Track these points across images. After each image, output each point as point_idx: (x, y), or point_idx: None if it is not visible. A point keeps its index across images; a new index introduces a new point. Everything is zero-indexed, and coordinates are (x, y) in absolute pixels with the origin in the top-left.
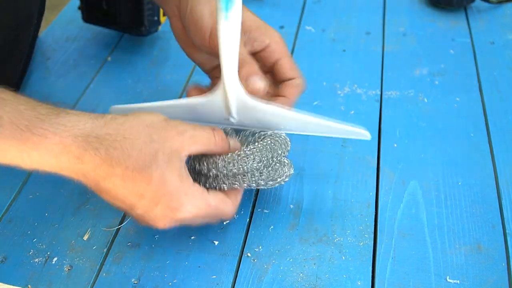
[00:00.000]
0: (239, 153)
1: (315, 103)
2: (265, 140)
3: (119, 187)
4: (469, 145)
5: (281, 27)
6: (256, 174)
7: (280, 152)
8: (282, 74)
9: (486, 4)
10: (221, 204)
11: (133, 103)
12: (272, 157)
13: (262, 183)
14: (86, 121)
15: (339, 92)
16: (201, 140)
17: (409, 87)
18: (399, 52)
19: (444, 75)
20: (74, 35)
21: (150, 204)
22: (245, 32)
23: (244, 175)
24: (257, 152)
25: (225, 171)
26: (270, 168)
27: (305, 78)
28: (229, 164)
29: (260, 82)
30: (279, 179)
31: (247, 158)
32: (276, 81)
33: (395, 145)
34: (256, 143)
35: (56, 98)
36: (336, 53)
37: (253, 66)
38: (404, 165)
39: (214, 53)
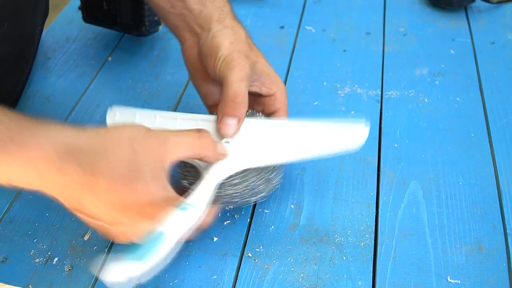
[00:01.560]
0: (219, 190)
1: (316, 103)
2: (249, 179)
3: (104, 200)
4: (470, 145)
5: (281, 27)
6: (235, 200)
7: (262, 188)
8: (268, 106)
9: (486, 4)
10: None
11: (133, 103)
12: (251, 193)
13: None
14: (68, 133)
15: (339, 92)
16: (186, 145)
17: (409, 87)
18: (400, 52)
19: (444, 75)
20: (75, 35)
21: (136, 217)
22: (258, 75)
23: (222, 202)
24: (236, 192)
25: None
26: (251, 193)
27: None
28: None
29: (232, 128)
30: (260, 195)
31: (225, 194)
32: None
33: (396, 145)
34: (238, 186)
35: (56, 98)
36: (336, 53)
37: (239, 107)
38: (404, 165)
39: (218, 81)
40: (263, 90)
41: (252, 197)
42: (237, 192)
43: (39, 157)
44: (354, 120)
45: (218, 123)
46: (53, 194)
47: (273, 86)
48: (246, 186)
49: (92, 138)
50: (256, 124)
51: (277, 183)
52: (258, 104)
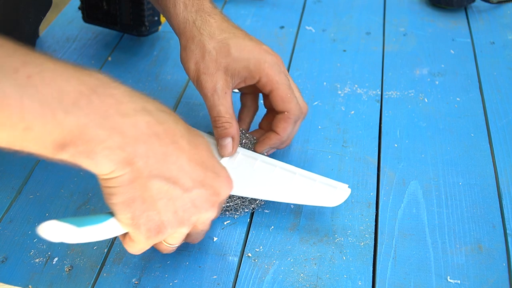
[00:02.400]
0: None
1: (316, 103)
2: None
3: (187, 159)
4: (470, 145)
5: (281, 27)
6: (233, 210)
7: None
8: (275, 107)
9: (486, 4)
10: None
11: None
12: (250, 201)
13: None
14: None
15: (339, 92)
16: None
17: (409, 87)
18: (400, 52)
19: (444, 75)
20: (75, 35)
21: (213, 176)
22: (233, 76)
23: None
24: (234, 203)
25: None
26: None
27: (306, 78)
28: None
29: (228, 148)
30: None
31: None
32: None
33: (396, 145)
34: (234, 196)
35: None
36: (336, 53)
37: (229, 127)
38: (404, 165)
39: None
40: (248, 81)
41: (251, 204)
42: (235, 204)
43: (129, 124)
44: (338, 183)
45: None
46: (134, 158)
47: (254, 73)
48: (243, 198)
49: (158, 105)
50: (250, 159)
51: None
52: (265, 98)
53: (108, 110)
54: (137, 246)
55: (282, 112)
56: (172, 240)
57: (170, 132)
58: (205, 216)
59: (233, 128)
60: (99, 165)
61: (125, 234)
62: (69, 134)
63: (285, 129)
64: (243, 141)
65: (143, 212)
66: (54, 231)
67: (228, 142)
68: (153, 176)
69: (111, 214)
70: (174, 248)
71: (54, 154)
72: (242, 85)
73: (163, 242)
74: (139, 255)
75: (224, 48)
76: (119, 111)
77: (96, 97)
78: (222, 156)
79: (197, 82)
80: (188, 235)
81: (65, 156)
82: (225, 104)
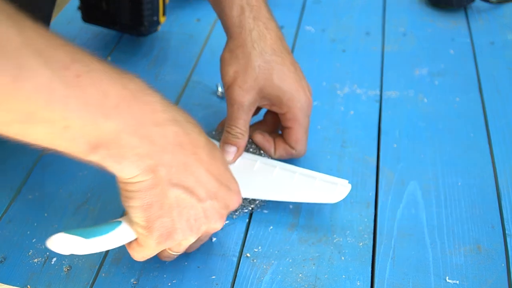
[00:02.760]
0: None
1: (315, 103)
2: None
3: (206, 170)
4: (469, 145)
5: (281, 27)
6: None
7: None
8: (286, 139)
9: (486, 4)
10: None
11: None
12: (249, 201)
13: None
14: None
15: (338, 92)
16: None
17: (409, 87)
18: (399, 52)
19: (444, 75)
20: (74, 35)
21: (227, 191)
22: (263, 98)
23: None
24: None
25: None
26: None
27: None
28: None
29: (229, 156)
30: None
31: None
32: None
33: (395, 145)
34: None
35: None
36: (336, 53)
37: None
38: (403, 165)
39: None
40: (274, 109)
41: (251, 205)
42: None
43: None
44: (338, 179)
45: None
46: (158, 166)
47: (283, 106)
48: (242, 198)
49: (186, 116)
50: (250, 161)
51: None
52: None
53: (143, 117)
54: (144, 252)
55: (289, 146)
56: (176, 248)
57: (193, 143)
58: (213, 227)
59: (243, 140)
60: (125, 169)
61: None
62: (105, 137)
63: (285, 155)
64: (250, 150)
65: (158, 218)
66: (63, 243)
67: (232, 150)
68: (173, 185)
69: (118, 222)
70: (175, 257)
71: (85, 155)
72: (267, 107)
73: (167, 249)
74: None
75: (268, 71)
76: (152, 120)
77: (135, 103)
78: None
79: (229, 89)
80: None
81: (95, 158)
82: (246, 120)
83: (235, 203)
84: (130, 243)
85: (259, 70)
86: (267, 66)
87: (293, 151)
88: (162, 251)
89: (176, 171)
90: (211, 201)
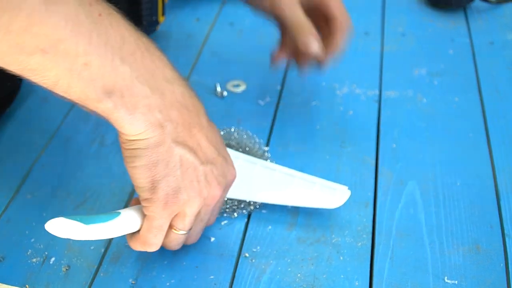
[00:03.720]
0: None
1: (314, 103)
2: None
3: (206, 136)
4: (468, 145)
5: None
6: (231, 210)
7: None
8: (328, 14)
9: (485, 4)
10: None
11: None
12: (248, 203)
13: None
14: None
15: (338, 92)
16: None
17: (408, 87)
18: (398, 52)
19: (443, 75)
20: None
21: (223, 160)
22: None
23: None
24: (232, 205)
25: None
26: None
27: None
28: None
29: (315, 45)
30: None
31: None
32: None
33: (394, 145)
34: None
35: (54, 98)
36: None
37: (309, 29)
38: (402, 165)
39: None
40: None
41: (250, 206)
42: (234, 205)
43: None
44: (337, 185)
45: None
46: (165, 122)
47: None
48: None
49: (188, 84)
50: (250, 164)
51: None
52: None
53: (155, 70)
54: (153, 223)
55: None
56: (181, 224)
57: (196, 108)
58: (213, 193)
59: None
60: (135, 122)
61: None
62: (120, 82)
63: (342, 36)
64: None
65: (164, 177)
66: (61, 227)
67: (314, 40)
68: (178, 143)
69: (118, 213)
70: (181, 240)
71: (99, 100)
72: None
73: (173, 230)
74: (135, 254)
75: None
76: (163, 75)
77: (148, 55)
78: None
79: (274, 9)
80: (189, 235)
81: (108, 105)
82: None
83: (231, 176)
84: (131, 235)
85: None
86: None
87: (341, 24)
88: (168, 234)
89: (181, 129)
90: (211, 165)
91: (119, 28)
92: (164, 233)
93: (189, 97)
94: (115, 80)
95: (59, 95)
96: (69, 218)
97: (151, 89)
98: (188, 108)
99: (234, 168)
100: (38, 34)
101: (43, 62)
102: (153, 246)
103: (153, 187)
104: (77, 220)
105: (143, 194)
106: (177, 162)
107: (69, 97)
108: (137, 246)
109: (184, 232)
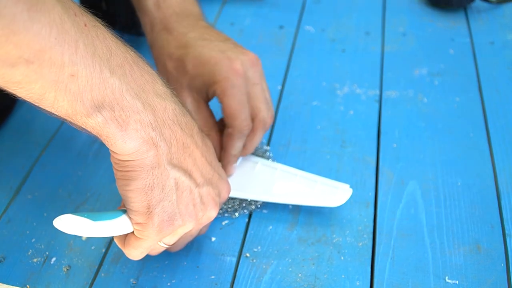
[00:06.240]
0: None
1: (314, 103)
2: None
3: (200, 156)
4: (469, 145)
5: (281, 27)
6: (233, 210)
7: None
8: (224, 118)
9: (486, 4)
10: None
11: None
12: (249, 202)
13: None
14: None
15: (338, 92)
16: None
17: (408, 87)
18: (399, 52)
19: (443, 75)
20: None
21: (218, 179)
22: (197, 92)
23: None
24: (234, 204)
25: None
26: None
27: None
28: None
29: (232, 169)
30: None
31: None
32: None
33: (395, 145)
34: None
35: None
36: (335, 53)
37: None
38: (403, 165)
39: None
40: (211, 96)
41: (251, 205)
42: (235, 205)
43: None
44: (339, 183)
45: None
46: (159, 141)
47: (210, 88)
48: (242, 199)
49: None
50: (251, 163)
51: None
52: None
53: (145, 85)
54: (142, 245)
55: (227, 124)
56: (169, 239)
57: (189, 125)
58: (208, 215)
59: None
60: (127, 140)
61: (125, 237)
62: (110, 94)
63: (233, 146)
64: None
65: (159, 202)
66: (70, 223)
67: (232, 167)
68: (173, 165)
69: (124, 210)
70: (162, 250)
71: (88, 115)
72: (212, 97)
73: (158, 242)
74: None
75: (181, 67)
76: (154, 90)
77: (137, 69)
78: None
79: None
80: (174, 246)
81: (99, 119)
82: (201, 118)
83: (225, 193)
84: (123, 241)
85: (175, 72)
86: (179, 63)
87: (231, 131)
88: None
89: (176, 150)
90: (207, 187)
91: (106, 40)
92: (148, 250)
93: (181, 115)
94: (104, 93)
95: (47, 111)
96: (77, 215)
97: (143, 104)
98: (182, 126)
99: (228, 183)
100: (20, 43)
101: (28, 73)
102: (135, 259)
103: (149, 212)
104: (85, 217)
105: (136, 218)
106: (172, 186)
107: (56, 113)
108: (121, 248)
109: (169, 245)
